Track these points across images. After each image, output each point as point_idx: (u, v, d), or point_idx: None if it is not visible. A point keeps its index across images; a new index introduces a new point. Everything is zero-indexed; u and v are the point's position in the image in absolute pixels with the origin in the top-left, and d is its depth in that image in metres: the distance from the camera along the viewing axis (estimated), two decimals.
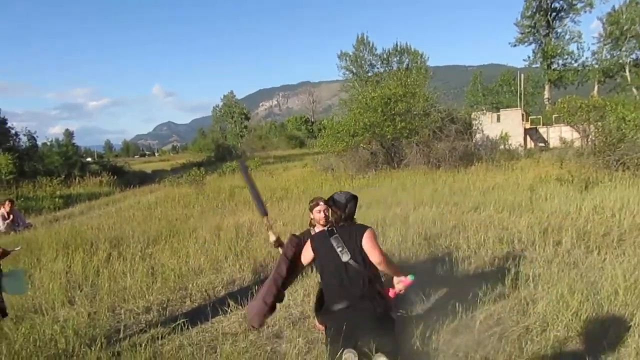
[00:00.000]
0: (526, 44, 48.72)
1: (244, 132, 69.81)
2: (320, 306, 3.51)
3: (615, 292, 4.28)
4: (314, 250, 3.48)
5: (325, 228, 3.54)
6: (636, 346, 3.33)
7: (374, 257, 3.28)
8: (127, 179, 26.76)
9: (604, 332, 3.60)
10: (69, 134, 44.67)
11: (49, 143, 34.35)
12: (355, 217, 3.53)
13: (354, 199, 3.52)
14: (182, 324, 4.16)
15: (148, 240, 7.86)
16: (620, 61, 42.39)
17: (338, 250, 3.32)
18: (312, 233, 4.47)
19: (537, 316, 3.95)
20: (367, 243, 3.30)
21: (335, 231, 3.41)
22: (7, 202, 10.34)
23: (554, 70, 46.36)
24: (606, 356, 3.32)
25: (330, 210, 3.54)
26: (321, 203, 4.36)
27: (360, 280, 3.28)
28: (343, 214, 3.45)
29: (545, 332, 3.66)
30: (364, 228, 3.39)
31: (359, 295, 3.26)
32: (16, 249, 3.71)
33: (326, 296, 3.44)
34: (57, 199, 17.11)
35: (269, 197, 13.11)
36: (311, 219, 4.50)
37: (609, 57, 43.56)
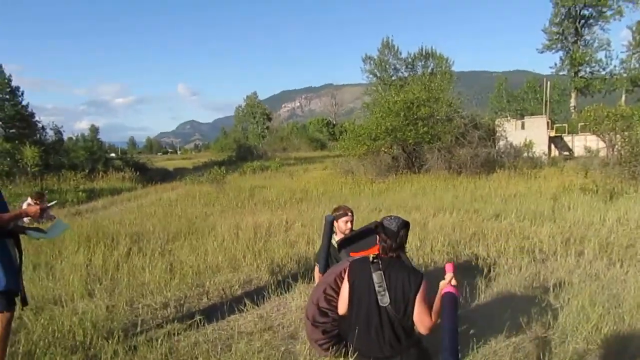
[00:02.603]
0: (553, 50, 48.17)
1: (265, 133, 70.11)
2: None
3: (638, 305, 4.18)
4: (349, 280, 3.08)
5: (370, 257, 3.06)
6: None
7: (422, 324, 2.88)
8: (149, 176, 27.11)
9: (625, 346, 3.52)
10: (94, 130, 45.27)
11: (74, 138, 34.98)
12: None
13: (405, 226, 3.03)
14: (199, 321, 4.19)
15: (168, 236, 7.95)
16: None
17: (377, 288, 2.91)
18: (332, 243, 4.46)
19: (556, 327, 3.88)
20: (419, 304, 2.87)
21: (381, 265, 2.97)
22: (36, 196, 10.46)
23: (581, 78, 45.70)
24: None
25: (380, 237, 3.05)
26: (349, 214, 4.33)
27: (393, 333, 2.92)
28: (394, 243, 2.97)
29: (564, 343, 3.59)
30: (419, 277, 2.93)
31: (388, 353, 2.94)
32: (52, 203, 3.83)
33: (348, 331, 3.11)
34: (80, 193, 17.42)
35: (289, 198, 13.17)
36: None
37: (637, 66, 42.82)
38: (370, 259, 3.01)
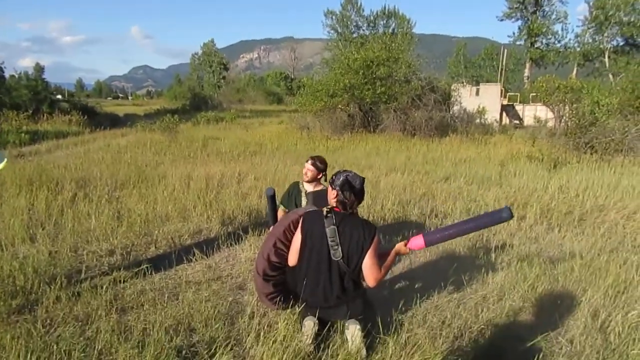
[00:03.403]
0: (513, 19, 48.61)
1: (221, 83, 68.51)
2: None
3: (571, 268, 4.43)
4: (302, 232, 3.05)
5: (325, 210, 3.04)
6: (584, 320, 3.47)
7: (371, 276, 2.91)
8: (97, 121, 25.97)
9: (557, 305, 3.74)
10: (39, 69, 42.66)
11: (17, 76, 32.91)
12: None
13: (364, 183, 3.04)
14: (146, 270, 4.13)
15: (116, 183, 7.74)
16: (601, 46, 42.84)
17: (331, 242, 2.91)
18: (300, 187, 4.44)
19: (495, 285, 4.07)
20: (370, 257, 2.90)
21: (335, 220, 2.94)
22: None
23: (536, 48, 46.61)
24: (556, 327, 3.45)
25: (343, 194, 2.93)
26: (308, 162, 4.29)
27: (342, 286, 2.99)
28: (356, 201, 2.96)
29: (502, 301, 3.78)
30: (373, 229, 2.95)
31: (334, 303, 3.01)
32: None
33: (296, 282, 3.15)
34: (23, 134, 16.54)
35: (242, 150, 13.03)
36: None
37: (590, 41, 43.93)
38: (324, 212, 3.00)
